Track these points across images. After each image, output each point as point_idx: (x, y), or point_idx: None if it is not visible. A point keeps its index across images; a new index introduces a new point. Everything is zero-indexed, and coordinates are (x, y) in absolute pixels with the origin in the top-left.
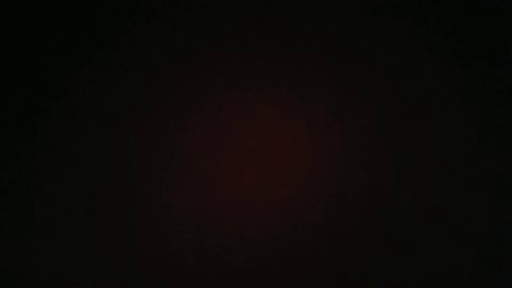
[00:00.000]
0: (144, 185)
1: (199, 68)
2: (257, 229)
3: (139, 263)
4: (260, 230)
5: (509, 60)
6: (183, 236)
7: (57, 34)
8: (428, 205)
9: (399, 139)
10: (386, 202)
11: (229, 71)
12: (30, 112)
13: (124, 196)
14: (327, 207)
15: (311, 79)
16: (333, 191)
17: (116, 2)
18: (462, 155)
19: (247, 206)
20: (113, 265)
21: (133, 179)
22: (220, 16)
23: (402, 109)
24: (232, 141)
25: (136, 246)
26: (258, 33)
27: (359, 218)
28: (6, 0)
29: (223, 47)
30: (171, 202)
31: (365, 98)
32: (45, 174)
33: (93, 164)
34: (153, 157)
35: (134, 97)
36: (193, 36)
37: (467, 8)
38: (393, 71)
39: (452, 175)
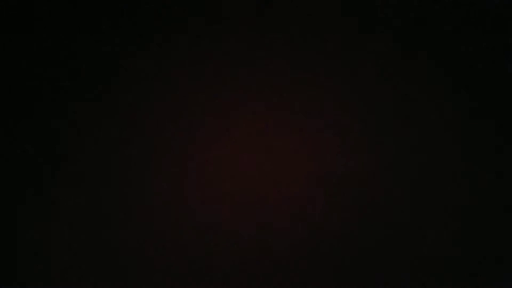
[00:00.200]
0: (144, 185)
1: (199, 68)
2: (257, 229)
3: (138, 263)
4: (260, 230)
5: (509, 60)
6: (183, 236)
7: (57, 34)
8: (428, 205)
9: (399, 139)
10: (386, 202)
11: (229, 72)
12: (30, 112)
13: (124, 196)
14: (327, 207)
15: (311, 80)
16: (333, 191)
17: (116, 2)
18: (462, 155)
19: (247, 206)
20: (113, 265)
21: (133, 179)
22: (220, 16)
23: (402, 109)
24: (232, 141)
25: (136, 246)
26: (258, 33)
27: (359, 218)
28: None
29: (223, 47)
30: (171, 202)
31: (365, 98)
32: (45, 174)
33: (93, 165)
34: (153, 157)
35: (134, 98)
36: (193, 36)
37: (467, 8)
38: (393, 71)
39: (452, 175)
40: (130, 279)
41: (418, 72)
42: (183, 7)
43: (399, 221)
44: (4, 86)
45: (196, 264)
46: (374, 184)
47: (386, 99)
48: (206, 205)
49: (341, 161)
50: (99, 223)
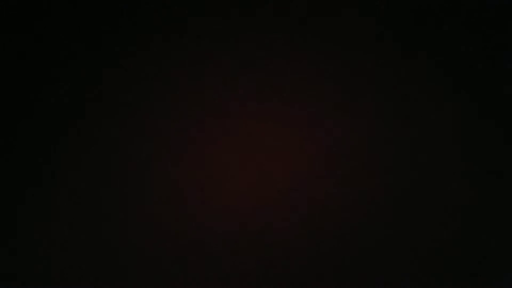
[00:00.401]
0: (144, 185)
1: (199, 69)
2: (257, 229)
3: (138, 263)
4: (260, 230)
5: (509, 60)
6: (183, 236)
7: (57, 34)
8: (428, 205)
9: (400, 140)
10: (386, 202)
11: (230, 72)
12: (31, 112)
13: (124, 196)
14: (327, 207)
15: (311, 79)
16: (333, 191)
17: (117, 2)
18: (462, 155)
19: (247, 206)
20: (113, 265)
21: (133, 179)
22: (221, 16)
23: (403, 110)
24: (232, 141)
25: (136, 246)
26: (258, 33)
27: (359, 218)
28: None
29: (223, 47)
30: (171, 202)
31: (365, 98)
32: (45, 174)
33: (93, 165)
34: (153, 157)
35: (134, 98)
36: (193, 36)
37: (467, 8)
38: (393, 72)
39: (452, 175)
40: (130, 279)
41: (418, 72)
42: (183, 7)
43: (399, 221)
44: (4, 86)
45: (196, 264)
46: (375, 184)
47: (386, 99)
48: (206, 205)
49: (341, 161)
50: (99, 223)
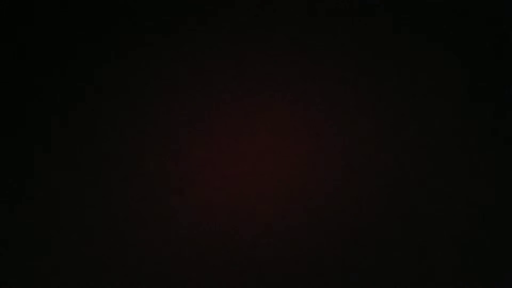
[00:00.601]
0: (144, 185)
1: (199, 69)
2: (257, 229)
3: (138, 262)
4: (260, 230)
5: (509, 59)
6: (183, 236)
7: (57, 34)
8: (428, 205)
9: (400, 141)
10: (387, 202)
11: (230, 72)
12: (30, 112)
13: (124, 196)
14: (327, 207)
15: (312, 80)
16: (333, 192)
17: (117, 3)
18: (462, 155)
19: (247, 206)
20: (113, 265)
21: (133, 179)
22: (221, 16)
23: (403, 111)
24: (233, 141)
25: (136, 246)
26: (258, 33)
27: (360, 219)
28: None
29: (223, 48)
30: (172, 202)
31: (366, 99)
32: (45, 174)
33: (93, 165)
34: (153, 157)
35: (135, 99)
36: (193, 37)
37: (467, 8)
38: (394, 73)
39: (452, 176)
40: (130, 279)
41: (418, 72)
42: (183, 7)
43: (399, 221)
44: (4, 86)
45: (196, 264)
46: (375, 184)
47: (386, 99)
48: (206, 205)
49: (342, 161)
50: (99, 223)
